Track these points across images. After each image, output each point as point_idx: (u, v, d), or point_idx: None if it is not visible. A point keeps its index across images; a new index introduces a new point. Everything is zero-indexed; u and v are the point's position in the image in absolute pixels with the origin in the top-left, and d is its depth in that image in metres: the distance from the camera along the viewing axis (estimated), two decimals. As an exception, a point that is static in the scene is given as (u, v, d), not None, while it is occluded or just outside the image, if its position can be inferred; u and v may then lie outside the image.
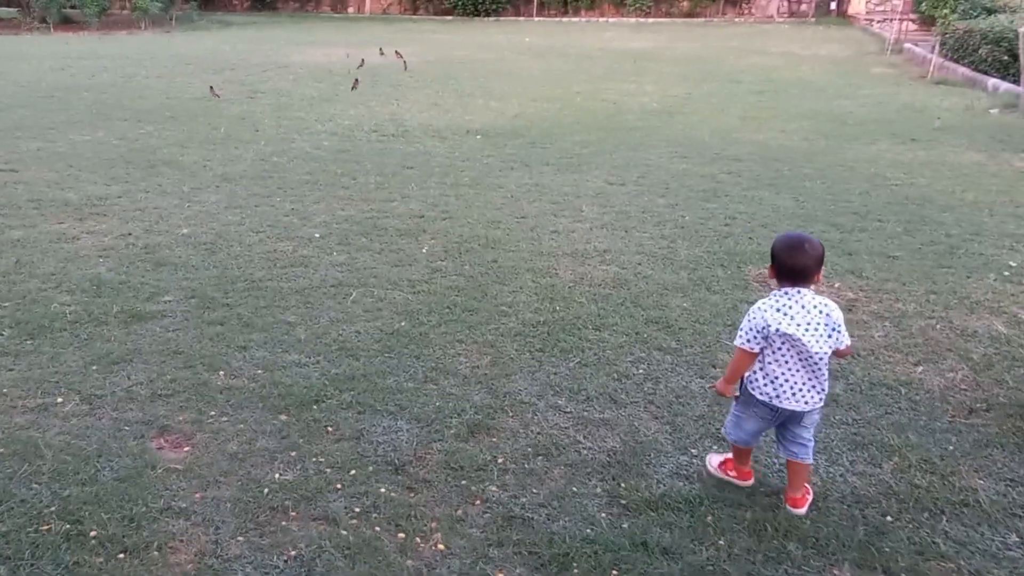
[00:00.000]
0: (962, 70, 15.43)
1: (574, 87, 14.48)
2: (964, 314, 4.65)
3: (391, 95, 12.91)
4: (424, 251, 5.66)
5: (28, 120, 10.12)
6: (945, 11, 15.53)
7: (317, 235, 5.98)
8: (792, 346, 2.74)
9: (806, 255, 2.72)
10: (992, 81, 14.03)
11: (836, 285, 5.03)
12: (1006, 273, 5.18)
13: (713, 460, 3.17)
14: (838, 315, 2.76)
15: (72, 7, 24.55)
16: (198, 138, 9.35)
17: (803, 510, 2.91)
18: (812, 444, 2.95)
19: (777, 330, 2.72)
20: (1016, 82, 13.85)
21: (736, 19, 32.14)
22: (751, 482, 3.06)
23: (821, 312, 2.73)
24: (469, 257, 5.55)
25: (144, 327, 4.31)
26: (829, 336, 2.74)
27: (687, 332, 4.37)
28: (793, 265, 2.74)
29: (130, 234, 5.87)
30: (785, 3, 32.92)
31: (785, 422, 2.89)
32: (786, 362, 2.77)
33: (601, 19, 32.33)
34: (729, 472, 3.09)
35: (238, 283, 4.98)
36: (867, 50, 21.31)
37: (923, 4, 16.50)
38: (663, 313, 4.60)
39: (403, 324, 4.42)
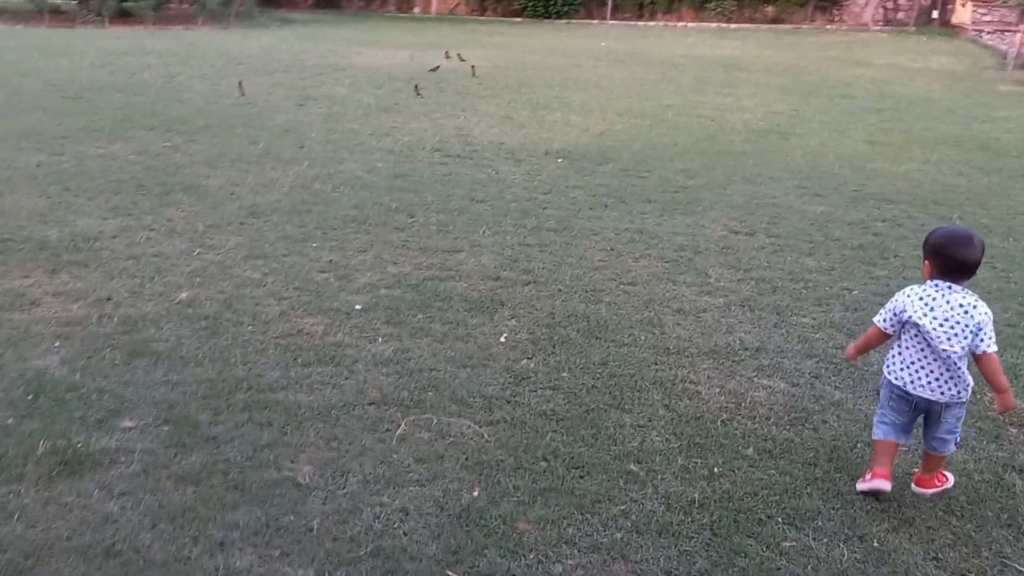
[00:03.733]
0: (1112, 90, 13.31)
1: (663, 100, 12.76)
2: None
3: (457, 105, 11.35)
4: (503, 340, 4.05)
5: (41, 126, 8.78)
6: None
7: (358, 307, 4.41)
8: (924, 337, 2.71)
9: (976, 250, 2.68)
10: None
11: None
12: None
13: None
14: (983, 318, 2.67)
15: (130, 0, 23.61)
16: (231, 155, 7.90)
17: (927, 492, 2.86)
18: (954, 438, 2.85)
19: (910, 318, 2.73)
20: None
21: (827, 26, 29.93)
22: (885, 487, 2.82)
23: (966, 312, 2.67)
24: (566, 353, 3.92)
25: (76, 487, 2.77)
26: (966, 337, 2.66)
27: (944, 534, 2.67)
28: (964, 260, 2.69)
29: (110, 298, 4.37)
30: (881, 10, 30.58)
31: (927, 417, 2.83)
32: (921, 350, 2.74)
33: (679, 24, 30.43)
34: (866, 479, 2.91)
35: (238, 393, 3.43)
36: (984, 64, 19.15)
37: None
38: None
39: (476, 494, 2.80)
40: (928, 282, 2.75)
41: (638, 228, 6.07)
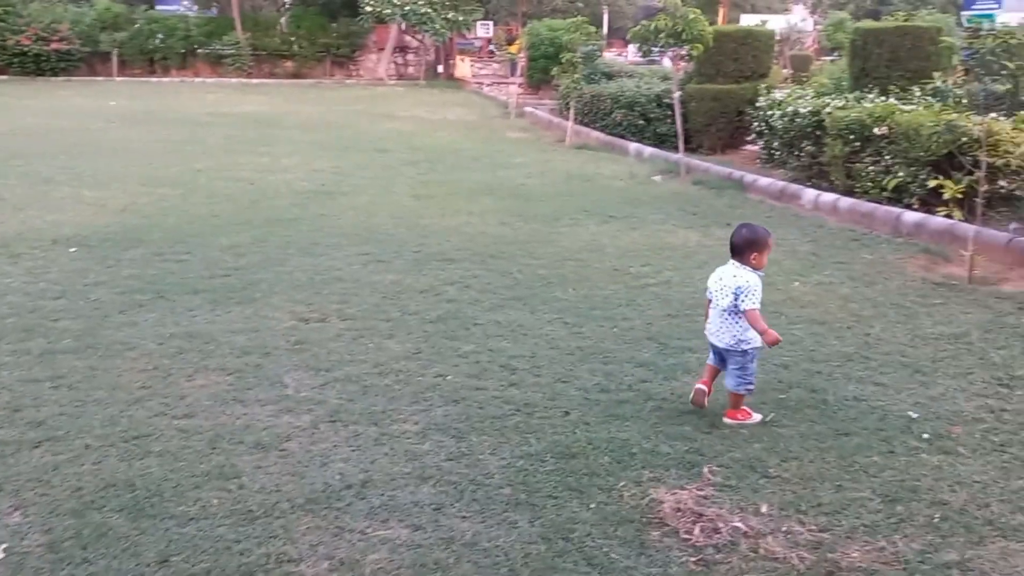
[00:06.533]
0: (595, 134, 15.40)
1: (194, 163, 11.57)
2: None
3: (-81, 187, 8.88)
4: (1, 557, 2.74)
5: None
6: (576, 75, 15.36)
7: None
8: (711, 296, 3.85)
9: (734, 234, 3.83)
10: (633, 146, 14.00)
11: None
12: (925, 436, 3.78)
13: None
14: (744, 284, 3.69)
15: None
16: None
17: (728, 420, 3.82)
18: (739, 381, 3.79)
19: (708, 286, 3.89)
20: (653, 145, 13.97)
21: (347, 80, 30.84)
22: (703, 388, 3.91)
23: (735, 279, 3.73)
24: (107, 556, 2.74)
25: None
26: (728, 296, 3.73)
27: None
28: (731, 242, 3.84)
29: None
30: (393, 66, 32.45)
31: (721, 358, 3.86)
32: (714, 308, 3.84)
33: (197, 79, 28.93)
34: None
35: None
36: (491, 114, 21.13)
37: (554, 70, 16.25)
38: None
39: None
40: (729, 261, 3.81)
41: (187, 331, 4.97)
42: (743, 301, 3.68)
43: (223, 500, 3.10)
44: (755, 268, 3.76)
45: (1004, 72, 5.57)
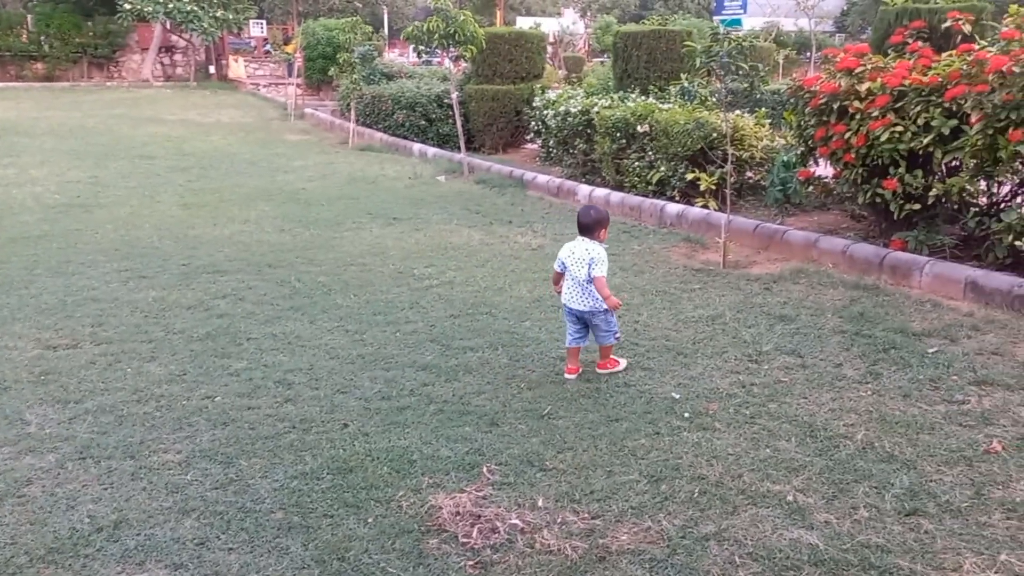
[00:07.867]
0: (379, 135, 15.27)
1: (-81, 178, 10.21)
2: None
3: None
4: None
5: None
6: (355, 76, 15.11)
7: None
8: (567, 269, 4.32)
9: (581, 215, 4.37)
10: (417, 146, 14.01)
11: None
12: (687, 415, 4.01)
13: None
14: (596, 255, 4.25)
15: None
16: None
17: (602, 371, 4.42)
18: (609, 335, 4.38)
19: (559, 258, 4.39)
20: (437, 145, 14.07)
21: (108, 83, 28.55)
22: (573, 377, 4.39)
23: (587, 252, 4.25)
24: None
25: None
26: (584, 267, 4.23)
27: None
28: (579, 222, 4.36)
29: None
30: (159, 66, 30.46)
31: (589, 325, 4.38)
32: (570, 279, 4.32)
33: (-73, 82, 25.66)
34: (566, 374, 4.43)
35: None
36: (269, 116, 20.38)
37: (332, 70, 15.93)
38: None
39: None
40: (578, 238, 4.32)
41: (-96, 371, 4.34)
42: (594, 269, 4.19)
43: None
44: (601, 242, 4.33)
45: (740, 72, 6.06)
